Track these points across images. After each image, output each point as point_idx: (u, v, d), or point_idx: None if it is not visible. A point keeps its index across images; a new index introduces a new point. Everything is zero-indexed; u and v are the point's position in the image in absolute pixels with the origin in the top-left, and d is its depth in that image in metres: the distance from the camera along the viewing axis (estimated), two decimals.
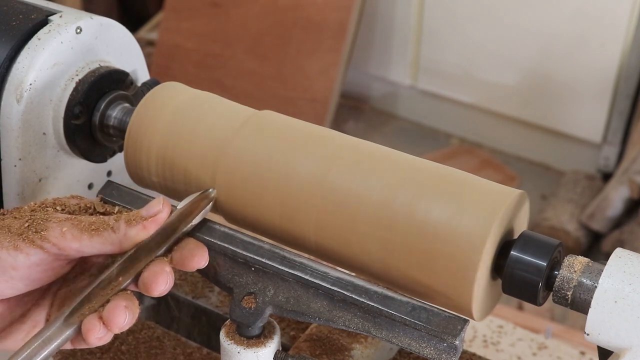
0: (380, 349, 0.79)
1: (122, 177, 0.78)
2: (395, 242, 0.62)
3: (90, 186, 0.80)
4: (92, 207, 0.65)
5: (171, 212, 0.63)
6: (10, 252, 0.59)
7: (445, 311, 0.59)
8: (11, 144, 0.72)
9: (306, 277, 0.62)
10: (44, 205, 0.64)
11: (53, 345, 0.57)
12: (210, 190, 0.67)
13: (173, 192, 0.73)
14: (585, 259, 0.60)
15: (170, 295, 0.87)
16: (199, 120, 0.70)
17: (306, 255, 0.65)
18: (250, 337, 0.65)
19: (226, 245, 0.64)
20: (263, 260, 0.63)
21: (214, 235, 0.65)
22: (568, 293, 0.59)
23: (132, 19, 3.09)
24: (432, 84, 2.92)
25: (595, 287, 0.58)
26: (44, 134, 0.74)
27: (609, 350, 0.59)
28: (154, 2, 3.16)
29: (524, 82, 2.73)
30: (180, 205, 0.65)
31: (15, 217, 0.62)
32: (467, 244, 0.60)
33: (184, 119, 0.71)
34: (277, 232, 0.67)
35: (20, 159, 0.73)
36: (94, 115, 0.76)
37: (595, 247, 2.43)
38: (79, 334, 0.58)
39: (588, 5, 2.50)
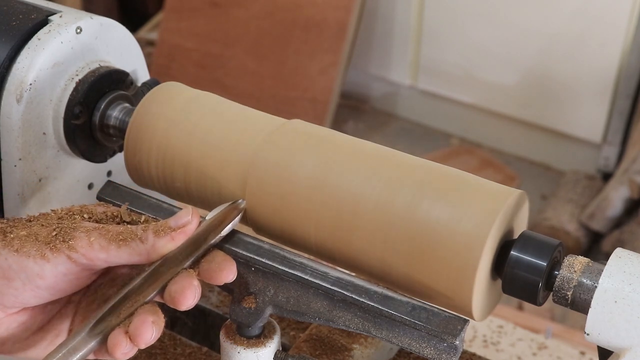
0: (380, 349, 0.79)
1: (122, 177, 0.78)
2: (395, 242, 0.62)
3: (90, 186, 0.80)
4: (119, 215, 0.64)
5: (200, 223, 0.62)
6: (37, 261, 0.58)
7: (445, 311, 0.59)
8: (11, 144, 0.72)
9: (306, 277, 0.62)
10: (71, 213, 0.63)
11: (77, 356, 0.56)
12: (240, 201, 0.66)
13: (173, 192, 0.73)
14: (585, 259, 0.60)
15: None
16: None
17: (306, 255, 0.65)
18: (250, 337, 0.65)
19: (226, 246, 0.64)
20: (263, 260, 0.63)
21: None
22: (568, 293, 0.59)
23: (132, 19, 3.09)
24: (432, 84, 2.92)
25: (595, 287, 0.58)
26: (44, 134, 0.74)
27: (609, 350, 0.59)
28: (154, 2, 3.16)
29: (524, 82, 2.73)
30: (209, 215, 0.64)
31: (42, 225, 0.61)
32: (467, 244, 0.60)
33: (192, 120, 0.71)
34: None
35: (20, 159, 0.73)
36: (94, 115, 0.76)
37: (595, 247, 2.43)
38: (102, 345, 0.57)
39: (588, 5, 2.51)
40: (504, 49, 2.70)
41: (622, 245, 2.22)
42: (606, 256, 0.59)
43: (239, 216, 0.64)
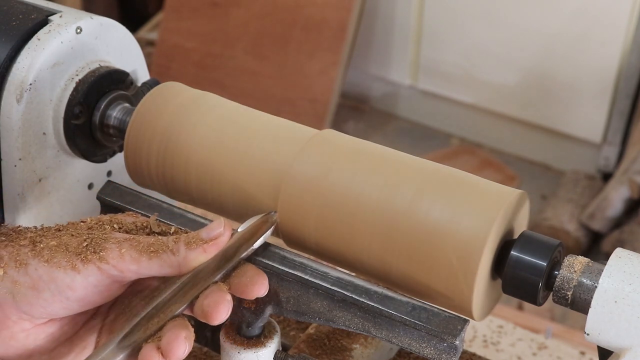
0: (380, 349, 0.79)
1: (122, 177, 0.78)
2: (395, 242, 0.62)
3: (90, 186, 0.80)
4: (148, 226, 0.63)
5: (232, 235, 0.61)
6: (67, 272, 0.57)
7: (445, 311, 0.59)
8: (11, 144, 0.72)
9: (306, 277, 0.62)
10: (100, 223, 0.62)
11: None
12: (272, 213, 0.65)
13: (173, 192, 0.73)
14: (585, 259, 0.60)
15: None
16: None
17: (306, 255, 0.65)
18: (250, 337, 0.65)
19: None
20: (263, 260, 0.63)
21: None
22: (568, 293, 0.59)
23: (132, 19, 3.09)
24: (432, 84, 2.92)
25: (595, 287, 0.58)
26: (44, 134, 0.74)
27: (609, 350, 0.59)
28: (154, 2, 3.16)
29: (524, 82, 2.73)
30: (241, 227, 0.63)
31: (72, 235, 0.60)
32: (467, 244, 0.60)
33: (192, 120, 0.71)
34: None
35: (20, 159, 0.73)
36: (94, 115, 0.76)
37: (595, 247, 2.43)
38: (130, 358, 0.57)
39: (588, 5, 2.51)
40: (504, 49, 2.70)
41: (622, 245, 2.22)
42: (606, 256, 0.59)
43: (272, 228, 0.63)
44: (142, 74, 0.82)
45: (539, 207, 2.56)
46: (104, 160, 0.79)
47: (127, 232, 0.61)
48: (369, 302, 0.60)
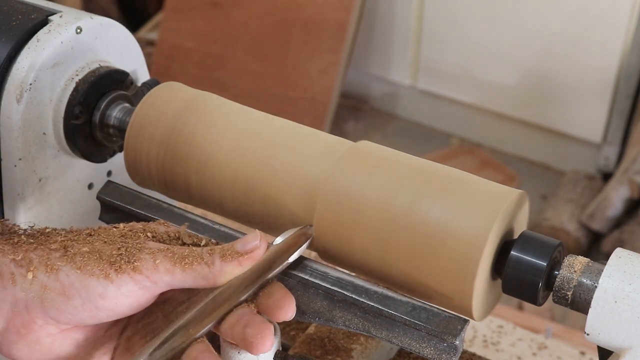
0: (380, 349, 0.79)
1: (122, 177, 0.78)
2: (395, 242, 0.62)
3: (90, 186, 0.80)
4: (180, 237, 0.62)
5: (267, 247, 0.60)
6: (100, 280, 0.56)
7: (445, 311, 0.59)
8: (11, 144, 0.72)
9: (306, 277, 0.62)
10: (134, 231, 0.61)
11: None
12: (308, 227, 0.64)
13: (173, 193, 0.73)
14: (585, 259, 0.60)
15: None
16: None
17: (306, 255, 0.65)
18: None
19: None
20: None
21: (213, 235, 0.65)
22: (568, 293, 0.59)
23: (132, 19, 3.09)
24: (432, 84, 2.92)
25: (595, 287, 0.58)
26: (44, 134, 0.74)
27: (609, 350, 0.59)
28: (154, 2, 3.16)
29: (524, 82, 2.73)
30: (277, 241, 0.62)
31: (105, 242, 0.59)
32: (467, 244, 0.60)
33: (192, 120, 0.71)
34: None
35: (20, 159, 0.73)
36: (94, 115, 0.76)
37: (595, 247, 2.43)
38: None
39: (588, 5, 2.51)
40: (504, 49, 2.70)
41: (622, 245, 2.22)
42: (606, 256, 0.59)
43: (307, 242, 0.63)
44: (142, 74, 0.82)
45: (539, 207, 2.56)
46: (104, 160, 0.79)
47: (160, 242, 0.60)
48: (369, 302, 0.60)
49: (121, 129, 0.75)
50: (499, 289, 0.64)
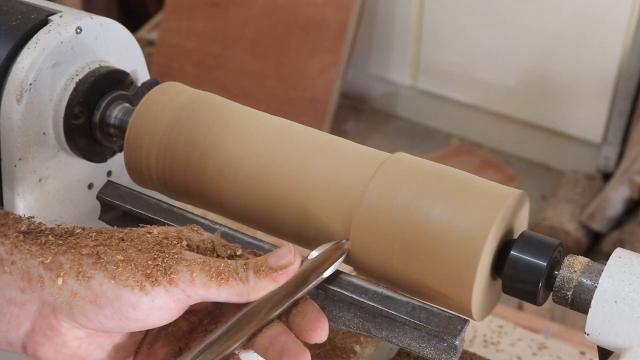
0: (380, 349, 0.79)
1: (122, 177, 0.78)
2: (395, 242, 0.62)
3: (90, 186, 0.80)
4: (213, 247, 0.60)
5: (302, 262, 0.59)
6: (134, 292, 0.54)
7: (445, 311, 0.59)
8: (11, 144, 0.72)
9: None
10: (169, 237, 0.59)
11: None
12: (344, 241, 0.63)
13: (173, 193, 0.73)
14: (585, 259, 0.60)
15: None
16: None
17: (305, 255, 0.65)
18: None
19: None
20: None
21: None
22: (568, 293, 0.59)
23: (132, 19, 3.09)
24: (432, 84, 2.92)
25: (595, 287, 0.58)
26: (44, 134, 0.74)
27: (609, 350, 0.59)
28: (154, 2, 3.16)
29: (524, 82, 2.73)
30: (312, 255, 0.61)
31: (139, 250, 0.57)
32: (467, 244, 0.60)
33: (193, 120, 0.71)
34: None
35: (20, 159, 0.73)
36: (94, 115, 0.76)
37: (595, 247, 2.43)
38: None
39: (588, 5, 2.51)
40: (504, 49, 2.70)
41: (622, 245, 2.22)
42: (606, 256, 0.59)
43: (343, 257, 0.61)
44: (142, 74, 0.82)
45: (539, 207, 2.56)
46: (104, 160, 0.79)
47: (194, 251, 0.59)
48: (369, 302, 0.60)
49: (121, 129, 0.75)
50: (499, 289, 0.64)
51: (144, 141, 0.71)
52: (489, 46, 2.73)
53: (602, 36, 2.52)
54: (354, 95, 3.07)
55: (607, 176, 2.65)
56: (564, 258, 0.61)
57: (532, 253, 0.61)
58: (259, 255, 0.59)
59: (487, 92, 2.82)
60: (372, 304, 0.60)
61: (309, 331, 0.56)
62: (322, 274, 0.59)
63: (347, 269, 0.64)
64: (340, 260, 0.61)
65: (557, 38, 2.59)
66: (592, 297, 0.58)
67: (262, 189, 0.67)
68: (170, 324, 0.58)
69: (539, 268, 0.60)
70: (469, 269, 0.60)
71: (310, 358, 0.55)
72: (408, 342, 0.59)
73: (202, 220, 0.67)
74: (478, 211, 0.61)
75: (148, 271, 0.55)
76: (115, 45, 0.78)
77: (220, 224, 0.66)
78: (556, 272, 0.60)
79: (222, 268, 0.56)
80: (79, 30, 0.74)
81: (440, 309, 0.59)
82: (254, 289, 0.56)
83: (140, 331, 0.59)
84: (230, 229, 0.66)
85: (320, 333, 0.56)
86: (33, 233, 0.58)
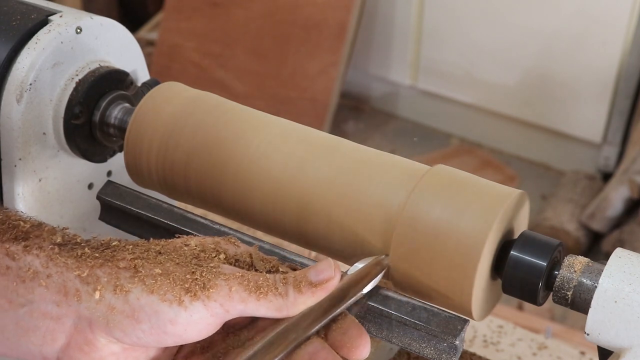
0: (380, 349, 0.79)
1: (122, 177, 0.78)
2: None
3: (90, 186, 0.80)
4: (251, 259, 0.59)
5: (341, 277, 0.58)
6: (173, 306, 0.53)
7: (445, 311, 0.59)
8: (11, 144, 0.72)
9: None
10: (206, 250, 0.58)
11: None
12: (383, 257, 0.62)
13: (173, 193, 0.73)
14: (585, 259, 0.60)
15: None
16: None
17: (306, 254, 0.65)
18: None
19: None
20: None
21: (213, 235, 0.65)
22: (568, 293, 0.59)
23: (132, 19, 3.09)
24: (432, 84, 2.92)
25: (595, 287, 0.58)
26: (44, 134, 0.74)
27: (609, 350, 0.59)
28: (154, 2, 3.16)
29: (524, 82, 2.73)
30: (351, 270, 0.60)
31: (177, 263, 0.56)
32: (467, 244, 0.60)
33: (193, 120, 0.71)
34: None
35: (20, 159, 0.73)
36: (94, 115, 0.76)
37: (595, 247, 2.43)
38: None
39: (588, 5, 2.51)
40: (504, 49, 2.70)
41: (622, 245, 2.22)
42: (606, 256, 0.59)
43: (382, 273, 0.61)
44: (142, 74, 0.82)
45: (539, 207, 2.56)
46: (104, 160, 0.79)
47: (231, 264, 0.58)
48: (369, 302, 0.60)
49: (121, 129, 0.75)
50: (499, 289, 0.64)
51: (144, 141, 0.71)
52: (489, 46, 2.73)
53: (602, 36, 2.52)
54: (354, 95, 3.08)
55: (607, 176, 2.65)
56: (564, 258, 0.61)
57: (532, 253, 0.61)
58: (297, 269, 0.59)
59: (487, 92, 2.82)
60: (372, 304, 0.60)
61: (351, 348, 0.56)
62: (361, 289, 0.58)
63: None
64: (380, 276, 0.60)
65: (557, 38, 2.59)
66: (592, 297, 0.58)
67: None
68: (205, 338, 0.57)
69: (539, 268, 0.60)
70: (469, 269, 0.60)
71: None
72: (408, 342, 0.59)
73: (202, 220, 0.67)
74: (478, 211, 0.61)
75: (187, 285, 0.54)
76: (115, 45, 0.78)
77: (221, 224, 0.66)
78: (556, 272, 0.60)
79: (260, 282, 0.55)
80: (79, 30, 0.74)
81: (440, 309, 0.59)
82: (293, 304, 0.55)
83: (175, 345, 0.58)
84: (230, 228, 0.66)
85: (363, 350, 0.56)
86: (68, 245, 0.57)
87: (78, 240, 0.58)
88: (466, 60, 2.80)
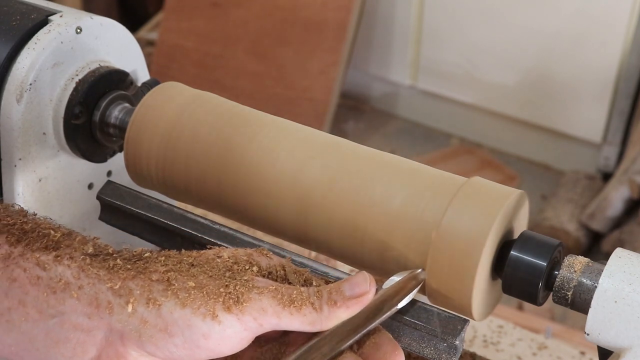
0: None
1: (122, 177, 0.78)
2: (395, 242, 0.62)
3: (90, 186, 0.80)
4: (284, 271, 0.58)
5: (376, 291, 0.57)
6: (206, 320, 0.52)
7: (445, 311, 0.59)
8: (11, 144, 0.72)
9: None
10: (239, 263, 0.57)
11: None
12: (419, 271, 0.60)
13: (173, 193, 0.73)
14: (585, 259, 0.60)
15: None
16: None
17: (306, 254, 0.65)
18: None
19: (226, 246, 0.64)
20: None
21: (212, 235, 0.65)
22: (568, 293, 0.59)
23: (132, 19, 3.09)
24: (432, 84, 2.92)
25: (595, 287, 0.58)
26: (44, 134, 0.74)
27: (609, 350, 0.59)
28: (154, 2, 3.16)
29: (524, 82, 2.73)
30: (386, 284, 0.59)
31: (210, 276, 0.55)
32: (466, 244, 0.60)
33: (193, 120, 0.71)
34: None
35: (20, 159, 0.73)
36: (94, 115, 0.76)
37: (595, 247, 2.43)
38: None
39: (588, 5, 2.51)
40: (504, 49, 2.71)
41: (622, 245, 2.22)
42: (606, 256, 0.59)
43: (418, 287, 0.60)
44: (142, 74, 0.82)
45: (539, 207, 2.56)
46: (104, 160, 0.79)
47: (264, 277, 0.57)
48: None
49: (121, 129, 0.75)
50: (499, 289, 0.64)
51: (144, 141, 0.71)
52: (489, 46, 2.73)
53: (602, 36, 2.52)
54: (354, 95, 3.08)
55: (607, 176, 2.65)
56: (564, 258, 0.61)
57: (532, 253, 0.61)
58: (330, 282, 0.58)
59: (487, 92, 2.82)
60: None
61: None
62: (396, 304, 0.58)
63: None
64: (415, 290, 0.59)
65: (557, 38, 2.60)
66: (592, 297, 0.58)
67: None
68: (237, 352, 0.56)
69: (539, 268, 0.60)
70: (469, 269, 0.60)
71: None
72: (408, 342, 0.59)
73: (202, 220, 0.67)
74: (478, 211, 0.61)
75: (220, 299, 0.53)
76: (115, 45, 0.78)
77: (221, 224, 0.66)
78: (556, 272, 0.60)
79: (294, 296, 0.54)
80: (79, 30, 0.74)
81: (440, 309, 0.59)
82: (327, 318, 0.55)
83: None
84: (230, 228, 0.66)
85: None
86: (100, 255, 0.56)
87: (110, 250, 0.57)
88: (466, 60, 2.80)
